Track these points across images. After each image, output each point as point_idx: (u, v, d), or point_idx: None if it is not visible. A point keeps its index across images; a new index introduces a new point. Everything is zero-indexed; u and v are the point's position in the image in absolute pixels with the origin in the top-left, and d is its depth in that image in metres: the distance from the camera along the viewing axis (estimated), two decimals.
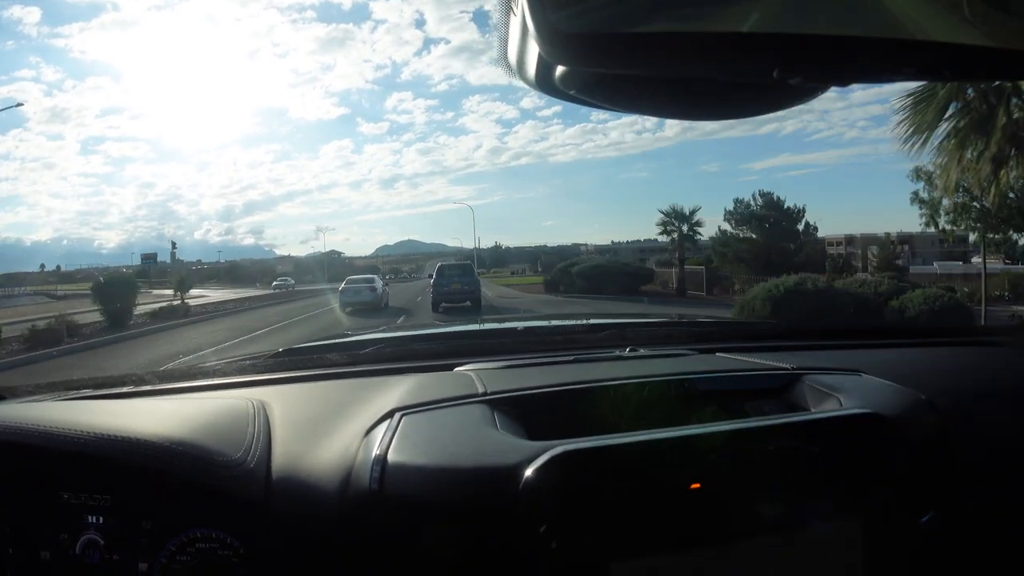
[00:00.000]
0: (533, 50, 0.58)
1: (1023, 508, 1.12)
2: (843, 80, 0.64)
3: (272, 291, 48.81)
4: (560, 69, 0.61)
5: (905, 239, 51.80)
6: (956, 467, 1.04)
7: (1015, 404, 1.24)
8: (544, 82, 0.63)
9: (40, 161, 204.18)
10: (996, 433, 1.16)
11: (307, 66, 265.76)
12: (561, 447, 0.83)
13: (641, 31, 0.56)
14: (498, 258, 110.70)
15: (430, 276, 21.37)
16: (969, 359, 1.52)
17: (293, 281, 58.13)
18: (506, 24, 0.60)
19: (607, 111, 0.72)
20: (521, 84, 0.66)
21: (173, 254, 62.85)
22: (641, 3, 0.56)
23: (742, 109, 0.71)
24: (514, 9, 0.57)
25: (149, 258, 56.80)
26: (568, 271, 29.74)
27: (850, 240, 58.74)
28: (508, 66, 0.63)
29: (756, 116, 0.72)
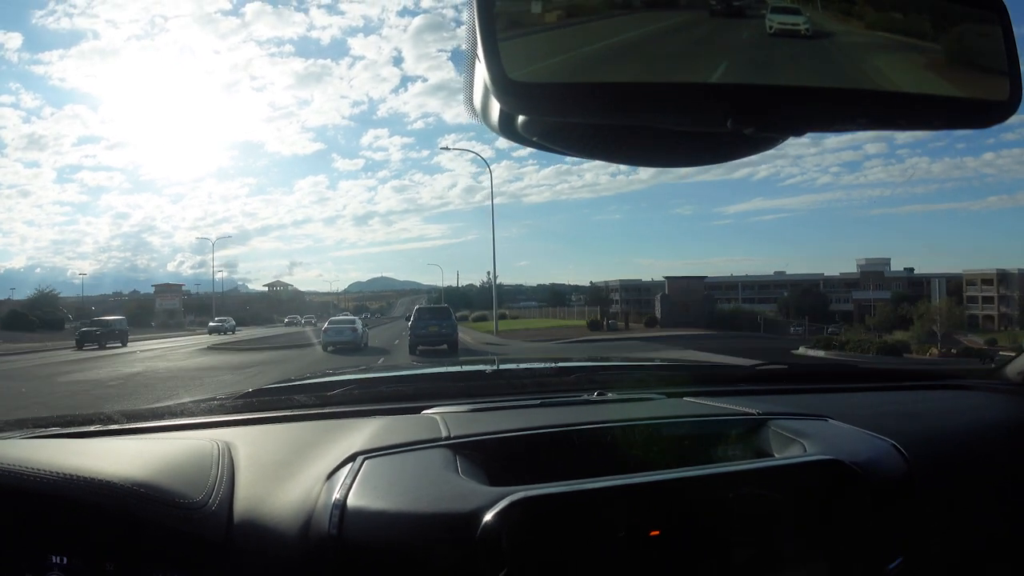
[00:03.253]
0: (495, 100, 0.59)
1: (990, 552, 1.14)
2: (797, 131, 0.66)
3: None
4: (521, 116, 0.63)
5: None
6: (923, 512, 1.04)
7: (982, 448, 1.25)
8: (507, 129, 0.64)
9: (16, 188, 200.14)
10: (963, 477, 1.17)
11: (284, 100, 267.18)
12: (520, 493, 0.83)
13: (594, 82, 0.57)
14: (466, 298, 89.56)
15: (407, 318, 21.33)
16: (936, 403, 1.53)
17: None
18: (471, 72, 0.61)
19: (572, 157, 0.73)
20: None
21: None
22: (594, 55, 0.57)
23: (701, 157, 0.72)
24: (478, 55, 0.58)
25: None
26: None
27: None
28: (474, 112, 0.64)
29: (716, 164, 0.74)
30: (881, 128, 0.70)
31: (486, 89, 0.58)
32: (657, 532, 0.85)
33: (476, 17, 0.56)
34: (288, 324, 42.02)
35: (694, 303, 37.42)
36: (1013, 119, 0.70)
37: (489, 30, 0.56)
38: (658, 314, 37.01)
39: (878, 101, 0.63)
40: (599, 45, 0.58)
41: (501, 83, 0.55)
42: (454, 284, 75.02)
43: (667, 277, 41.55)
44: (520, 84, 0.56)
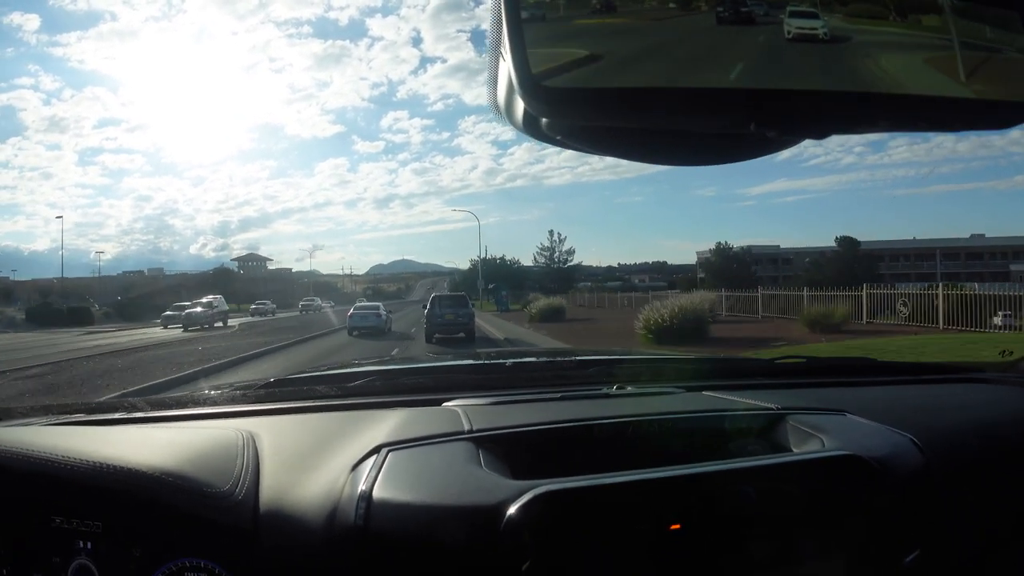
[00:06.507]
0: (520, 100, 0.60)
1: (1007, 545, 1.14)
2: (819, 133, 0.66)
3: None
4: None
5: None
6: (941, 506, 1.05)
7: (1000, 442, 1.25)
8: (531, 127, 0.65)
9: (38, 171, 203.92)
10: (981, 470, 1.17)
11: (303, 82, 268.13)
12: (543, 487, 0.85)
13: (621, 87, 0.58)
14: (514, 278, 63.89)
15: (424, 305, 21.05)
16: (954, 396, 1.53)
17: None
18: (495, 68, 0.62)
19: (595, 155, 0.74)
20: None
21: None
22: (622, 60, 0.58)
23: (724, 155, 0.73)
24: (504, 55, 0.58)
25: None
26: None
27: None
28: (497, 108, 0.64)
29: (737, 162, 0.74)
30: (902, 130, 0.70)
31: (510, 87, 0.59)
32: (678, 526, 0.86)
33: (504, 21, 0.57)
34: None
35: None
36: None
37: (517, 34, 0.56)
38: None
39: (898, 104, 0.64)
40: (625, 49, 0.59)
41: (530, 88, 0.56)
42: (479, 262, 53.45)
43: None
44: (549, 89, 0.56)
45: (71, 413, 1.29)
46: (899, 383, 1.64)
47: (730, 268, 53.94)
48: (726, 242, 61.83)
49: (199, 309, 32.31)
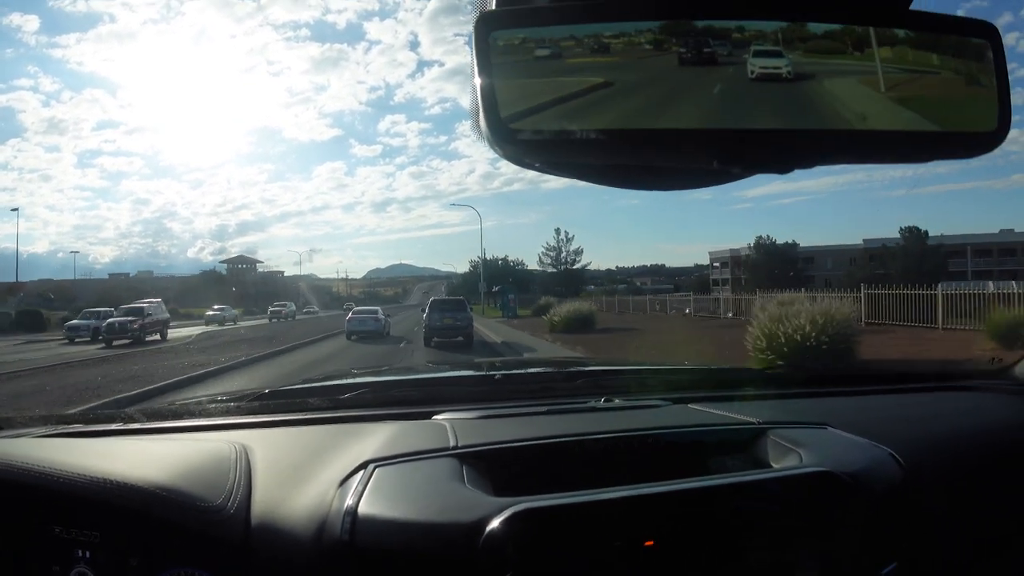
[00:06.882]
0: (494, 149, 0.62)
1: (987, 553, 1.14)
2: (782, 168, 0.66)
3: None
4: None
5: None
6: (922, 517, 1.06)
7: (989, 450, 1.25)
8: (511, 156, 0.65)
9: (37, 172, 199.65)
10: (968, 480, 1.17)
11: (301, 85, 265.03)
12: (522, 504, 0.86)
13: (586, 128, 0.60)
14: (518, 280, 58.27)
15: (423, 309, 20.97)
16: (940, 405, 1.53)
17: None
18: (476, 95, 0.62)
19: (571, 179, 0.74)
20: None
21: None
22: (586, 104, 0.60)
23: (696, 182, 0.72)
24: (479, 106, 0.60)
25: None
26: None
27: None
28: (480, 134, 0.65)
29: (710, 187, 0.73)
30: (869, 162, 0.71)
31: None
32: (651, 543, 0.87)
33: (475, 68, 0.59)
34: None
35: None
36: None
37: (487, 78, 0.58)
38: None
39: (864, 140, 0.64)
40: (589, 93, 0.60)
41: (500, 132, 0.58)
42: (480, 262, 48.62)
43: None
44: (517, 132, 0.59)
45: (69, 423, 1.32)
46: (886, 392, 1.64)
47: (773, 266, 47.90)
48: (768, 236, 56.17)
49: (126, 317, 22.76)
